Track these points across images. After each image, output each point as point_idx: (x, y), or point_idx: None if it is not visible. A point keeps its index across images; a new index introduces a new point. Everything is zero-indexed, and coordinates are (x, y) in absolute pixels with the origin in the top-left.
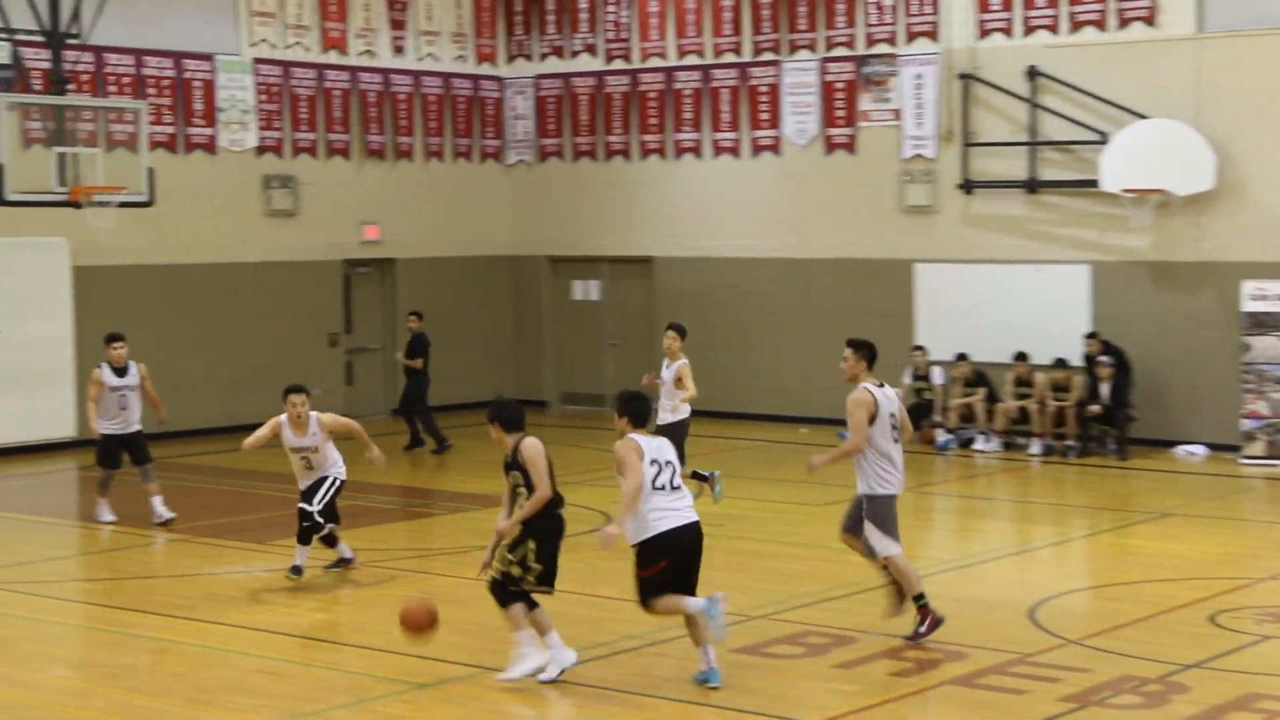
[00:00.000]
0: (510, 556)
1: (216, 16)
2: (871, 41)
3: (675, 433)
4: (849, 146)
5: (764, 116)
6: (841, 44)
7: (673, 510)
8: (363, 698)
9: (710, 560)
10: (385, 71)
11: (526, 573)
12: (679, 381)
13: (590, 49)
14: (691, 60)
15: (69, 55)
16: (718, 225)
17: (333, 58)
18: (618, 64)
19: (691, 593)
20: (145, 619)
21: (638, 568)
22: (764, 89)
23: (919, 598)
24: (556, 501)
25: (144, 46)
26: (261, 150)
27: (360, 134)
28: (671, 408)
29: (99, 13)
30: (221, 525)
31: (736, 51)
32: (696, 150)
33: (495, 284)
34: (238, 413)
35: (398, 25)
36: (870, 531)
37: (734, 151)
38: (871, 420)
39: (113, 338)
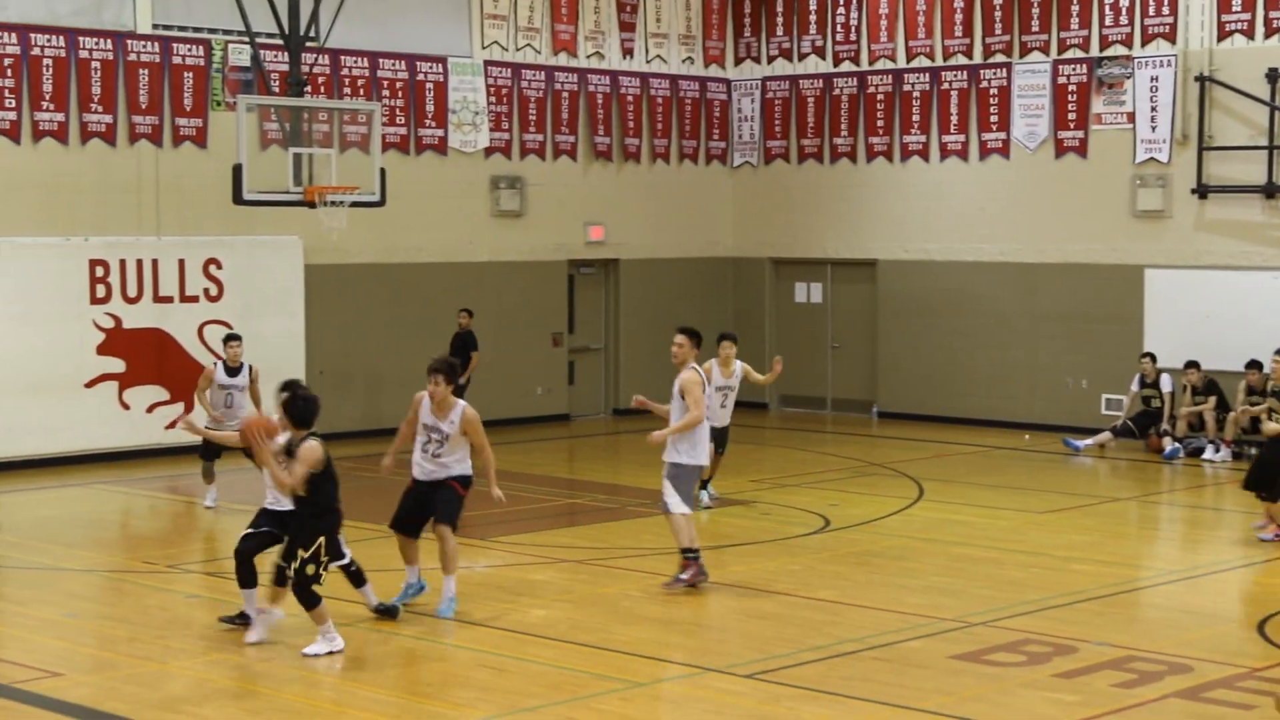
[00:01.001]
0: (305, 555)
1: (449, 19)
2: (1106, 43)
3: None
4: (1080, 150)
5: (994, 119)
6: (1075, 46)
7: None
8: (580, 694)
9: (929, 565)
10: (613, 74)
11: (321, 568)
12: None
13: (818, 51)
14: (921, 62)
15: (306, 58)
16: (944, 228)
17: (562, 60)
18: (846, 66)
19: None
20: (359, 609)
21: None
22: (994, 91)
23: (686, 551)
24: (333, 495)
25: (378, 49)
26: (490, 151)
27: (587, 135)
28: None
29: (336, 16)
30: None
31: (967, 53)
32: (924, 153)
33: (717, 285)
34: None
35: (627, 28)
36: (667, 489)
37: (962, 154)
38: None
39: (231, 337)
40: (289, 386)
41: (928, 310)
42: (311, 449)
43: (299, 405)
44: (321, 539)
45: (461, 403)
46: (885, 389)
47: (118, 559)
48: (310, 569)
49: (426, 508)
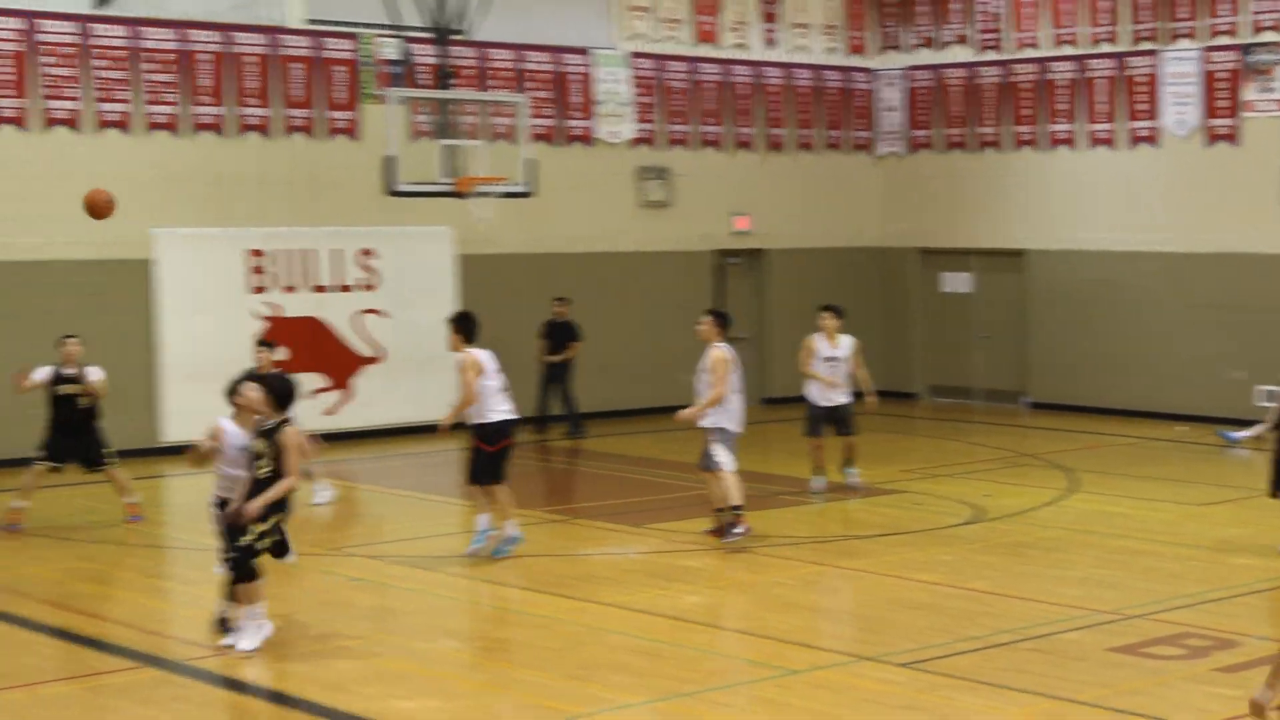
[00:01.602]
0: (263, 529)
1: (593, 11)
2: (1258, 29)
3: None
4: (1231, 138)
5: (1141, 107)
6: (1224, 32)
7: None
8: (736, 681)
9: (1085, 557)
10: (757, 64)
11: (263, 539)
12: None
13: (962, 40)
14: (1066, 50)
15: (454, 51)
16: (1093, 218)
17: (705, 50)
18: (990, 55)
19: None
20: (527, 596)
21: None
22: (1142, 79)
23: (736, 508)
24: None
25: (524, 41)
26: (636, 142)
27: (732, 126)
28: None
29: (483, 10)
30: (599, 508)
31: (1113, 41)
32: (1071, 141)
33: (864, 275)
34: (609, 399)
35: (769, 18)
36: (716, 450)
37: (1110, 143)
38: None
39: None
40: (252, 377)
41: (1078, 300)
42: (298, 432)
43: (284, 385)
44: (277, 517)
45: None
46: (1035, 379)
47: None
48: (264, 542)
49: None
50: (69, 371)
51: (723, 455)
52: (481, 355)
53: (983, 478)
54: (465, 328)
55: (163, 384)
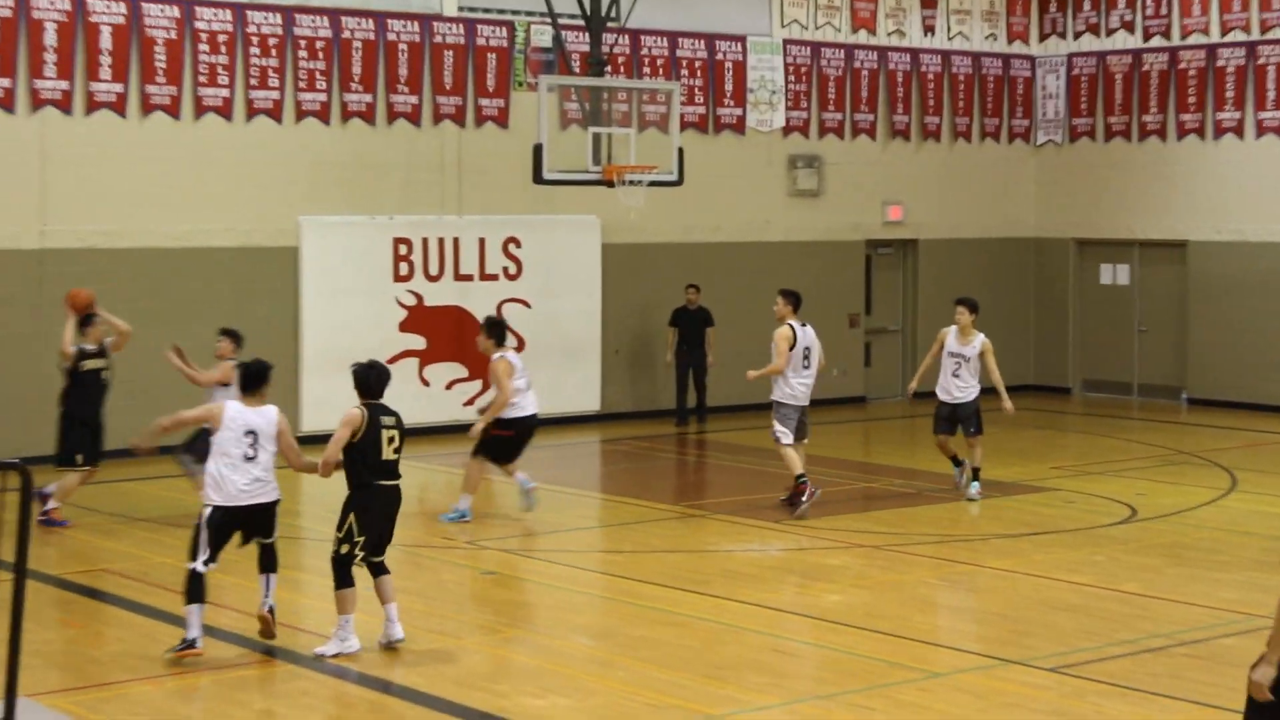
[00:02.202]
0: (338, 535)
1: None
2: None
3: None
4: None
5: None
6: None
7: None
8: (876, 683)
9: (1244, 559)
10: (914, 51)
11: (353, 545)
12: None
13: (1127, 26)
14: (1236, 36)
15: (607, 38)
16: (1260, 208)
17: (862, 38)
18: (1156, 41)
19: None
20: (663, 592)
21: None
22: None
23: (800, 477)
24: (376, 471)
25: (678, 29)
26: (788, 130)
27: (886, 114)
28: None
29: None
30: (739, 503)
31: None
32: (1238, 130)
33: (1018, 267)
34: (759, 392)
35: (928, 4)
36: (776, 425)
37: (1278, 131)
38: (791, 348)
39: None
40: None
41: (1242, 293)
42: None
43: (377, 374)
44: (352, 516)
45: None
46: (1195, 374)
47: (416, 534)
48: (344, 548)
49: None
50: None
51: (779, 429)
52: (512, 357)
53: (1138, 476)
54: (496, 332)
55: (304, 372)
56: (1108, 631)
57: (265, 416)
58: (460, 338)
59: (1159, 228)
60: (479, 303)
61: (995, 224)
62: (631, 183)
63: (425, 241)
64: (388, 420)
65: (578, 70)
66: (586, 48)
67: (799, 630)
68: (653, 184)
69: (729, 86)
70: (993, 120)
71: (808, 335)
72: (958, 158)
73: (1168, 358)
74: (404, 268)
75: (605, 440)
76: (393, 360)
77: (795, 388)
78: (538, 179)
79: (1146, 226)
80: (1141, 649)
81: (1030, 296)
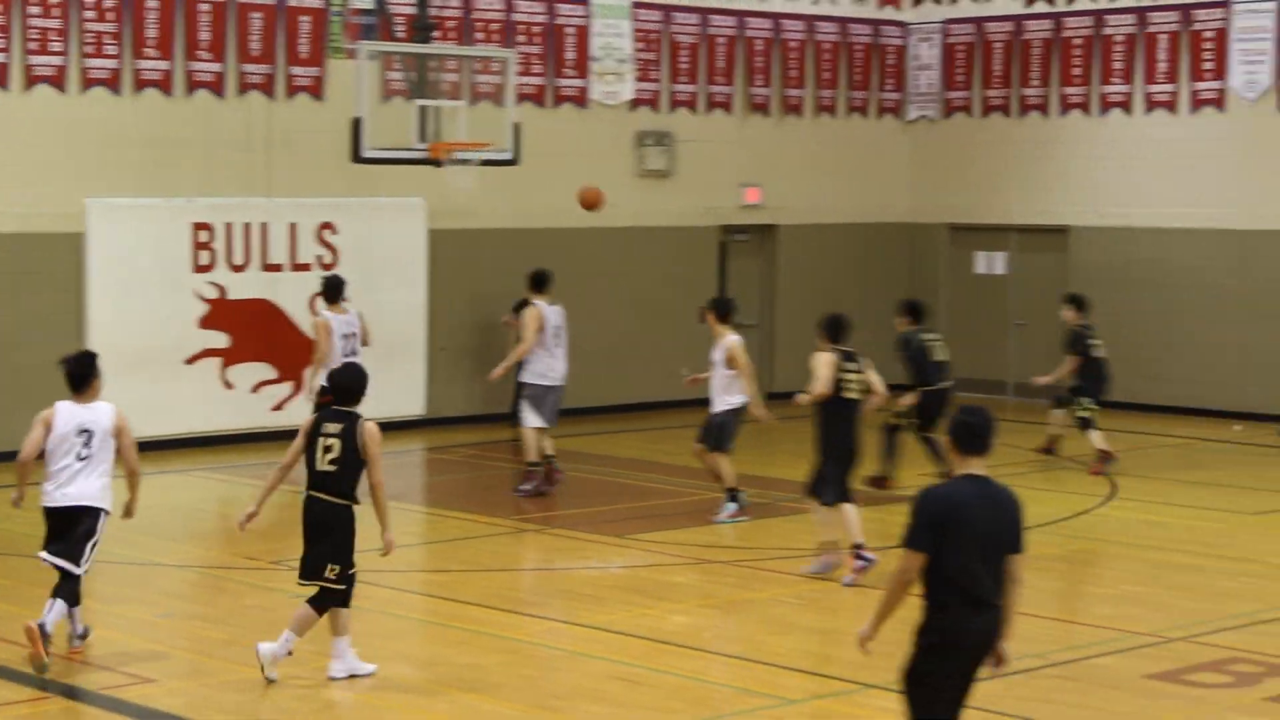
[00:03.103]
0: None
1: None
2: None
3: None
4: None
5: (1207, 66)
6: None
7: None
8: (726, 712)
9: (1123, 572)
10: (775, 16)
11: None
12: (730, 361)
13: None
14: (1125, 2)
15: (434, 0)
16: (1147, 191)
17: (718, 2)
18: (1039, 6)
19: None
20: (494, 615)
21: None
22: (1209, 34)
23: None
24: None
25: None
26: (636, 104)
27: (745, 86)
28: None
29: None
30: (578, 516)
31: None
32: (1126, 105)
33: (888, 254)
34: (597, 393)
35: None
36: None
37: (1170, 106)
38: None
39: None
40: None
41: (1126, 283)
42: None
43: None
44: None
45: None
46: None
47: (217, 554)
48: (352, 570)
49: None
50: None
51: (526, 411)
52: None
53: (1011, 482)
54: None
55: None
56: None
57: (96, 413)
58: (269, 335)
59: (1039, 212)
60: (289, 295)
61: (863, 207)
62: (461, 162)
63: (229, 227)
64: (330, 428)
65: (402, 36)
66: (412, 10)
67: (642, 655)
68: (485, 163)
69: (570, 55)
70: (861, 94)
71: (555, 314)
72: (822, 135)
73: (1046, 354)
74: (204, 256)
75: (431, 448)
76: (192, 360)
77: (541, 367)
78: (356, 157)
79: (1025, 211)
80: (1011, 670)
81: (901, 287)
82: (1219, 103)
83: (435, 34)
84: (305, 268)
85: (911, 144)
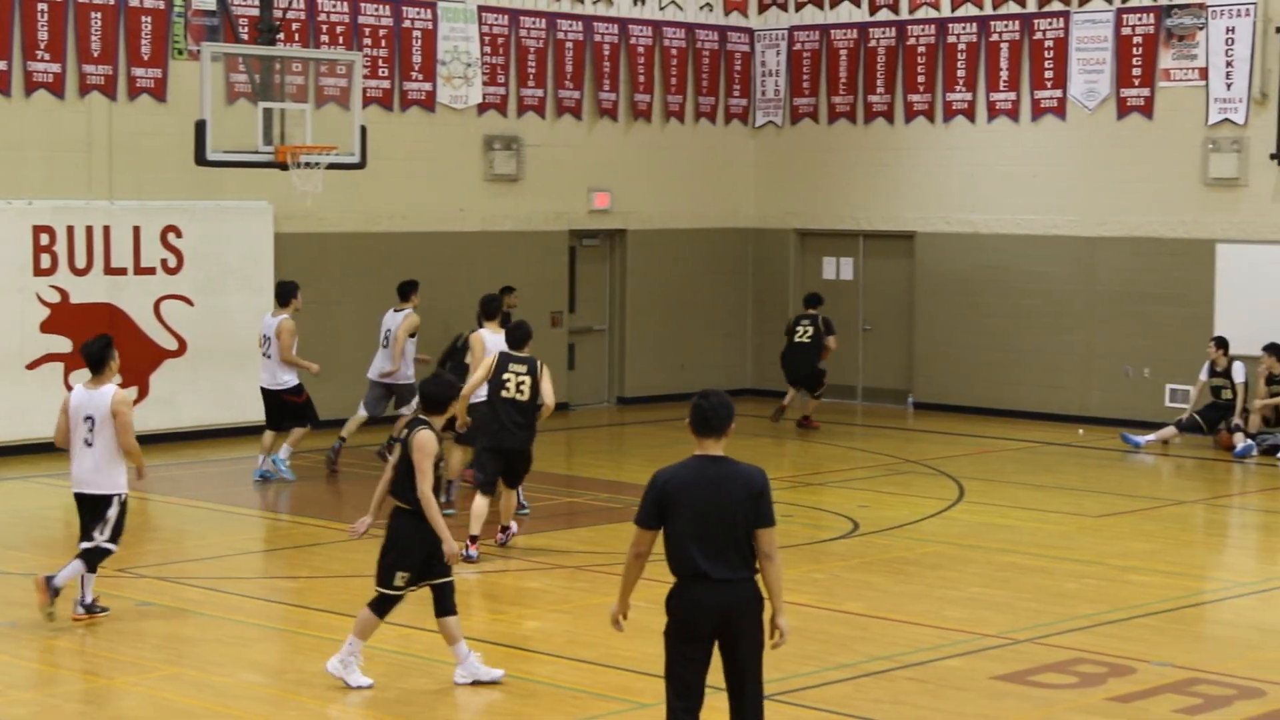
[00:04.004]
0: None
1: None
2: None
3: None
4: (1145, 110)
5: (1048, 75)
6: None
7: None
8: (579, 717)
9: (970, 575)
10: (622, 21)
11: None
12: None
13: None
14: (968, 10)
15: (279, 1)
16: (991, 198)
17: (565, 6)
18: (883, 15)
19: None
20: (343, 622)
21: None
22: (1050, 44)
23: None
24: None
25: None
26: (484, 108)
27: (593, 91)
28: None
29: None
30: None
31: (1020, 1)
32: (969, 113)
33: (736, 260)
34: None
35: None
36: None
37: (1013, 114)
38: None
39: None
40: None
41: (971, 289)
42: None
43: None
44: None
45: None
46: (922, 377)
47: (62, 562)
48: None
49: None
50: None
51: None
52: None
53: (861, 487)
54: None
55: None
56: (826, 655)
57: (98, 398)
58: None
59: (885, 218)
60: (133, 300)
61: (711, 213)
62: (308, 165)
63: (70, 230)
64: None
65: (246, 37)
66: (256, 11)
67: (494, 660)
68: (331, 166)
69: (418, 58)
70: (708, 99)
71: (389, 318)
72: (670, 140)
73: (893, 359)
74: (46, 260)
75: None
76: (34, 365)
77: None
78: (200, 159)
79: (872, 216)
80: (861, 673)
81: (749, 292)
82: (1060, 111)
83: (280, 36)
84: (149, 271)
85: (759, 150)
